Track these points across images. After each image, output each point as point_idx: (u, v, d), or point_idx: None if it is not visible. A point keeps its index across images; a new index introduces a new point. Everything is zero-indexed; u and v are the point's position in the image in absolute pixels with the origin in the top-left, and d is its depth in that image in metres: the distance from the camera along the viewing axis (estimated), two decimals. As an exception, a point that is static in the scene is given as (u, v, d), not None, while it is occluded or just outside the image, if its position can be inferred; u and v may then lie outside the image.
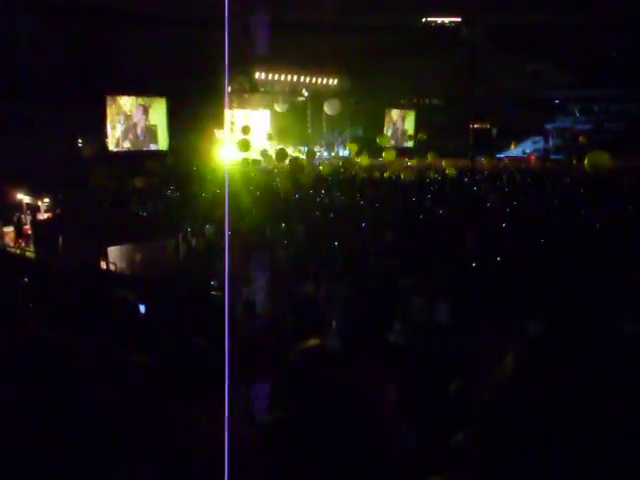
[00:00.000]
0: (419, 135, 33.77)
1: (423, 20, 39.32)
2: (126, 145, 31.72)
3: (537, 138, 43.83)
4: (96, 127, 29.65)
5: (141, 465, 3.86)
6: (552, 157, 38.22)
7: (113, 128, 31.15)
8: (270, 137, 37.10)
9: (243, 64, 33.23)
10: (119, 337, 5.89)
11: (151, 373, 4.44)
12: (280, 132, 38.63)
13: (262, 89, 35.98)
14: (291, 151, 37.51)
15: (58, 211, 15.17)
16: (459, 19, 38.72)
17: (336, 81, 38.13)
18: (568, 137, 42.56)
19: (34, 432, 4.09)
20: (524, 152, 41.84)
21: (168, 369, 4.92)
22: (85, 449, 3.93)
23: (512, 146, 39.01)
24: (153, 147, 32.51)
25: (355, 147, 31.65)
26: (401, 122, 45.54)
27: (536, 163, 33.64)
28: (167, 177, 22.73)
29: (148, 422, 4.15)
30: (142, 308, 5.20)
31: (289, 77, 35.96)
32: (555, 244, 10.66)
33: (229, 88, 34.90)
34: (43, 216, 14.97)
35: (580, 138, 32.57)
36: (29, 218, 14.76)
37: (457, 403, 4.66)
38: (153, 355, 5.33)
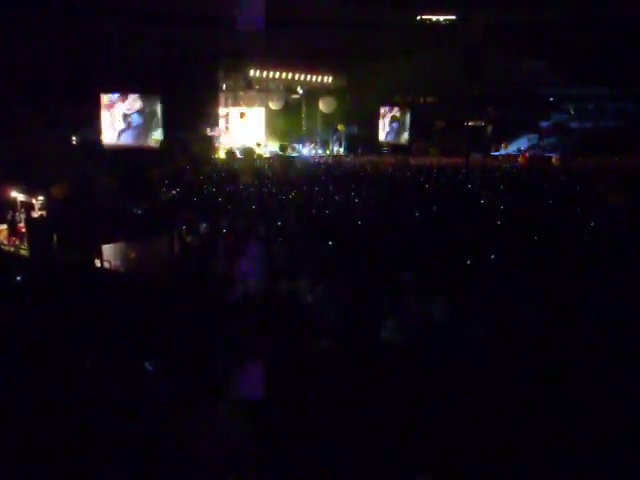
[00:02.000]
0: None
1: (418, 17, 39.32)
2: (120, 142, 31.64)
3: (532, 136, 43.92)
4: (90, 124, 29.61)
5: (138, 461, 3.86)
6: (547, 155, 38.34)
7: (107, 125, 31.08)
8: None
9: (238, 61, 33.28)
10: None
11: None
12: (275, 129, 38.71)
13: (257, 86, 35.97)
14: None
15: (52, 209, 15.13)
16: (454, 17, 38.77)
17: (331, 79, 38.15)
18: (563, 135, 42.69)
19: (33, 430, 4.09)
20: (519, 150, 41.93)
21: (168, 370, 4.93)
22: (84, 445, 3.92)
23: (503, 146, 39.03)
24: (148, 144, 32.43)
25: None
26: (396, 120, 45.60)
27: (526, 161, 33.71)
28: (162, 174, 22.68)
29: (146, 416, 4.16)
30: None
31: (284, 74, 35.93)
32: (550, 241, 10.69)
33: (224, 85, 34.99)
34: (37, 214, 14.93)
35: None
36: (23, 216, 14.73)
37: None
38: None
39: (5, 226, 14.51)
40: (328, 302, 7.02)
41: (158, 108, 32.20)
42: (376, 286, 7.60)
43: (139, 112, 32.15)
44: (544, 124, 43.99)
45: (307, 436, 4.47)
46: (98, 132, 30.41)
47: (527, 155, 37.96)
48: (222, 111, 35.80)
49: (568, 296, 7.17)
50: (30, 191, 15.44)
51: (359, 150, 40.06)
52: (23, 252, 12.95)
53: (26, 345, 5.53)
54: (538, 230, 11.56)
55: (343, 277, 7.93)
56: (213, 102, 34.62)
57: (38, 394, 4.60)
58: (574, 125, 43.24)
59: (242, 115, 31.22)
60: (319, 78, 37.85)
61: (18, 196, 15.39)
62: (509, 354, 5.57)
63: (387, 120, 44.76)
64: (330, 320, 6.60)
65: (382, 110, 43.99)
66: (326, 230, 11.69)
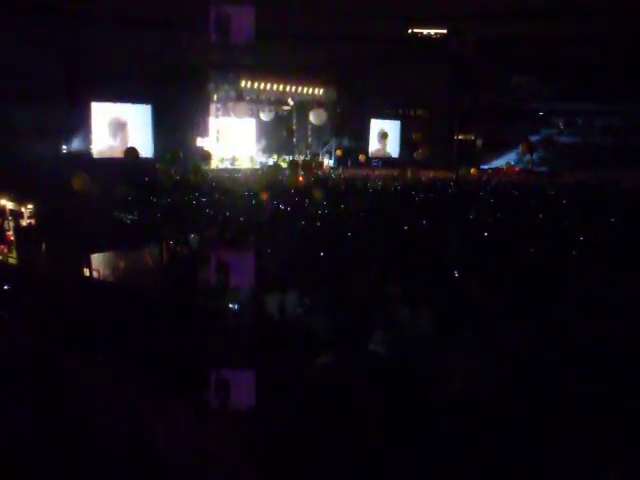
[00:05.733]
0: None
1: (409, 31, 39.51)
2: (110, 152, 31.58)
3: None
4: (81, 134, 29.58)
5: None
6: (536, 169, 38.61)
7: (97, 135, 31.03)
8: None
9: (229, 71, 33.34)
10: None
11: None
12: (265, 141, 38.84)
13: (248, 97, 36.02)
14: (275, 160, 37.92)
15: (41, 218, 15.09)
16: (445, 31, 38.97)
17: (322, 91, 38.27)
18: (552, 149, 43.01)
19: (21, 434, 4.06)
20: (508, 164, 42.19)
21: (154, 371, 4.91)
22: (71, 450, 3.90)
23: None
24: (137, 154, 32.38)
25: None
26: (387, 133, 45.80)
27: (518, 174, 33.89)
28: (152, 184, 22.67)
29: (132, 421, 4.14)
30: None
31: (275, 86, 36.02)
32: (539, 254, 10.75)
33: (215, 96, 35.04)
34: (26, 222, 14.89)
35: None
36: (12, 224, 14.69)
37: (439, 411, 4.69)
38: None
39: (-7, 234, 14.48)
40: (319, 314, 7.04)
41: (149, 118, 32.27)
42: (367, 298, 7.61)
43: (130, 122, 32.19)
44: (534, 138, 44.29)
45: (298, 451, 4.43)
46: (88, 141, 30.36)
47: (518, 168, 38.27)
48: (213, 122, 35.91)
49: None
50: (19, 199, 15.40)
51: (349, 163, 40.14)
52: (11, 260, 12.91)
53: (14, 354, 5.49)
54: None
55: (333, 288, 7.95)
56: (204, 112, 34.67)
57: (29, 403, 4.58)
58: (563, 140, 43.60)
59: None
60: (310, 90, 37.97)
61: (7, 204, 15.35)
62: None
63: (377, 133, 44.97)
64: (321, 332, 6.61)
65: (372, 123, 44.20)
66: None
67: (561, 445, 4.25)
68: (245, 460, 3.28)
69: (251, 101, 36.47)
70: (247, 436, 3.32)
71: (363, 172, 33.90)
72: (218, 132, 36.46)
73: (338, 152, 41.06)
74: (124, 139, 32.13)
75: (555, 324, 6.56)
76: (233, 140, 36.86)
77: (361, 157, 39.04)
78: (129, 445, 4.24)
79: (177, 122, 30.97)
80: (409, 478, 3.75)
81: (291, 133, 36.40)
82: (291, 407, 4.10)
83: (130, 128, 32.28)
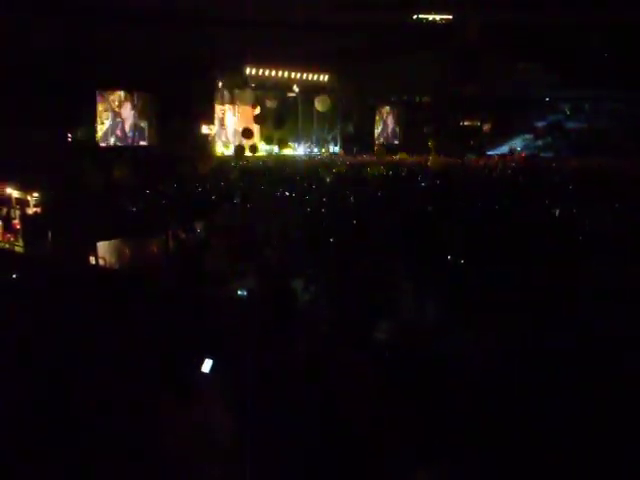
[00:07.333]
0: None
1: (414, 17, 39.34)
2: (115, 140, 31.59)
3: (527, 136, 44.06)
4: (86, 123, 29.57)
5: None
6: (542, 155, 38.49)
7: (102, 124, 31.01)
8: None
9: (234, 60, 33.26)
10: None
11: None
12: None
13: (253, 85, 35.90)
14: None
15: (47, 206, 15.10)
16: (450, 17, 38.80)
17: (327, 78, 38.10)
18: (558, 135, 42.86)
19: (25, 431, 4.09)
20: (514, 149, 42.07)
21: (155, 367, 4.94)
22: (76, 446, 3.94)
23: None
24: (143, 143, 32.42)
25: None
26: (391, 119, 45.68)
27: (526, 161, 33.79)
28: (157, 173, 22.64)
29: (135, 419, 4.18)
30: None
31: (280, 73, 35.89)
32: (544, 241, 10.70)
33: (220, 83, 34.97)
34: (32, 211, 14.91)
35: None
36: (18, 212, 14.71)
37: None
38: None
39: (0, 223, 14.52)
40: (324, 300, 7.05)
41: (154, 107, 32.23)
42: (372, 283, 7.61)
43: (135, 111, 32.17)
44: (540, 124, 44.13)
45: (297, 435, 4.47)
46: (94, 129, 30.35)
47: (523, 154, 38.16)
48: (218, 109, 35.84)
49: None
50: (25, 188, 15.43)
51: (354, 150, 40.00)
52: (18, 249, 12.94)
53: (21, 343, 5.53)
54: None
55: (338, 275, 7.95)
56: (209, 100, 34.61)
57: (34, 393, 4.61)
58: (570, 125, 43.45)
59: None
60: (315, 77, 37.81)
61: (13, 192, 15.38)
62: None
63: (382, 120, 44.88)
64: (325, 318, 6.62)
65: (377, 110, 44.11)
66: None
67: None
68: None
69: (256, 88, 36.36)
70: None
71: (367, 159, 33.85)
72: (222, 119, 36.40)
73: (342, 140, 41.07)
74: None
75: (559, 315, 6.56)
76: (237, 127, 36.72)
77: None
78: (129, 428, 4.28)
79: (182, 110, 30.92)
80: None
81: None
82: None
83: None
